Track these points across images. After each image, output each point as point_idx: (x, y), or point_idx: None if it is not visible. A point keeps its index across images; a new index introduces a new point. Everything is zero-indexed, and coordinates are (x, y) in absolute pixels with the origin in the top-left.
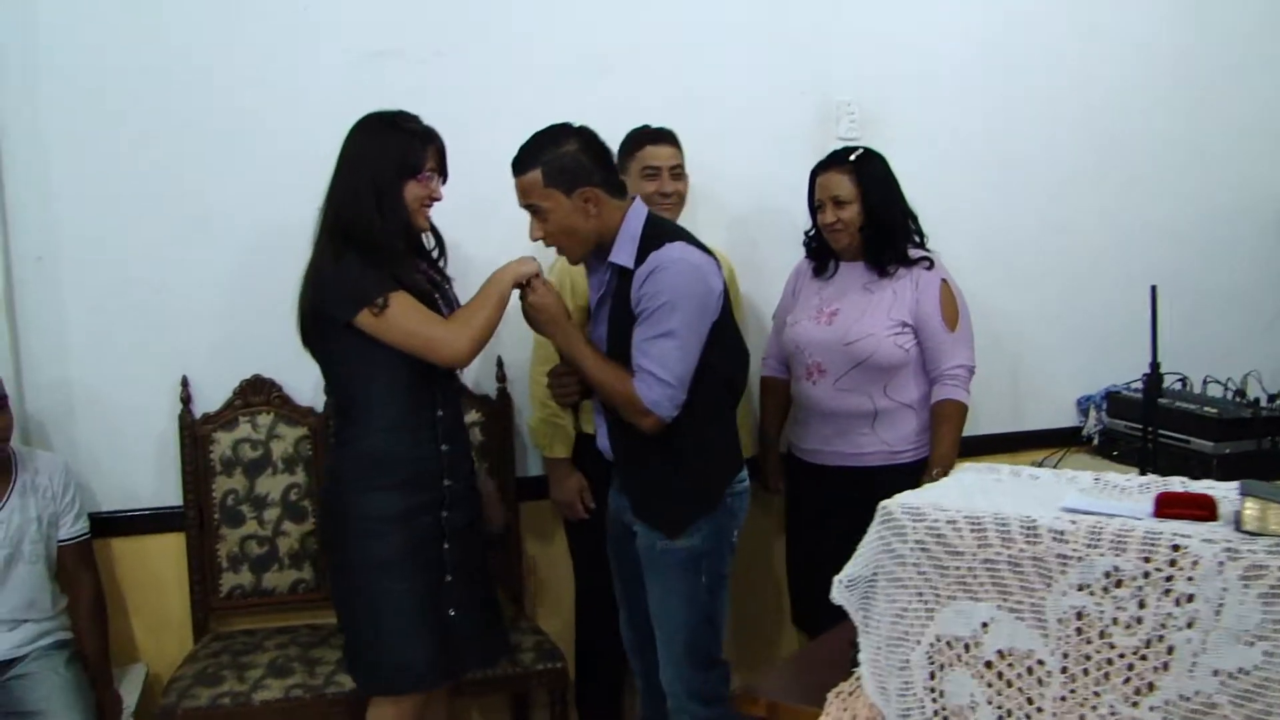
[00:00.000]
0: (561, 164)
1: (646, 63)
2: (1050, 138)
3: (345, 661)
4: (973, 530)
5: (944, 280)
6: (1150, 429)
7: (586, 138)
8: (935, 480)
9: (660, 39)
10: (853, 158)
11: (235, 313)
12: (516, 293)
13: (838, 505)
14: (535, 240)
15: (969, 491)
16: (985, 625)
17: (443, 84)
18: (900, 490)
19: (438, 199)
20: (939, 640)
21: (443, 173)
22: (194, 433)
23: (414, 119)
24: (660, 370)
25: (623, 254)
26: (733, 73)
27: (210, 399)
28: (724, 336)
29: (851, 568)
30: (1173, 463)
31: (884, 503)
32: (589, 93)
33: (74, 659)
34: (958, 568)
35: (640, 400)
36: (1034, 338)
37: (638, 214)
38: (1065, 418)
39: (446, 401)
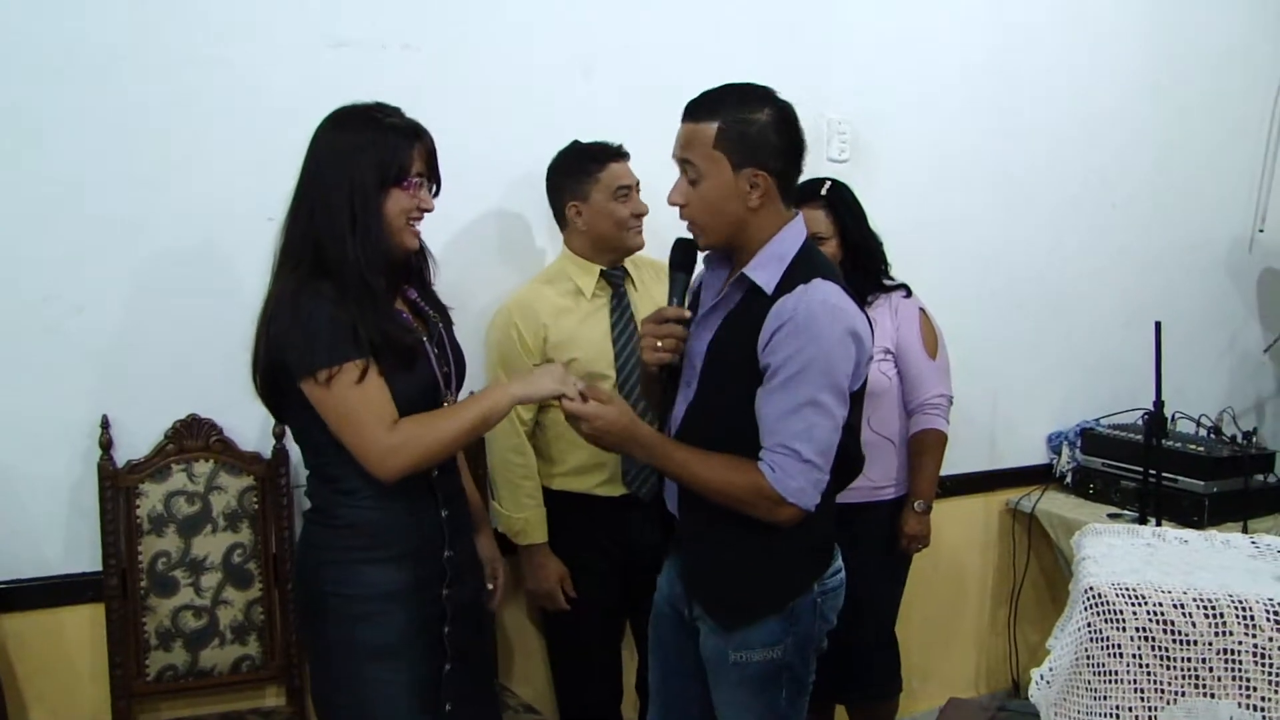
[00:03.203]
0: (743, 130)
1: (633, 65)
2: (1039, 164)
3: None
4: (1206, 615)
5: (921, 309)
6: (1153, 471)
7: (785, 114)
8: (920, 514)
9: (649, 41)
10: (824, 191)
11: (166, 341)
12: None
13: None
14: (672, 204)
15: (1162, 564)
16: None
17: (410, 81)
18: (883, 529)
19: (428, 210)
20: None
21: (434, 178)
22: (116, 484)
23: (395, 112)
24: (805, 448)
25: (763, 273)
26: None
27: (136, 443)
28: (854, 406)
29: (1052, 659)
30: (1163, 502)
31: (1091, 583)
32: (568, 95)
33: None
34: (1188, 659)
35: (775, 490)
36: (1012, 370)
37: (796, 234)
38: (1037, 454)
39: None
